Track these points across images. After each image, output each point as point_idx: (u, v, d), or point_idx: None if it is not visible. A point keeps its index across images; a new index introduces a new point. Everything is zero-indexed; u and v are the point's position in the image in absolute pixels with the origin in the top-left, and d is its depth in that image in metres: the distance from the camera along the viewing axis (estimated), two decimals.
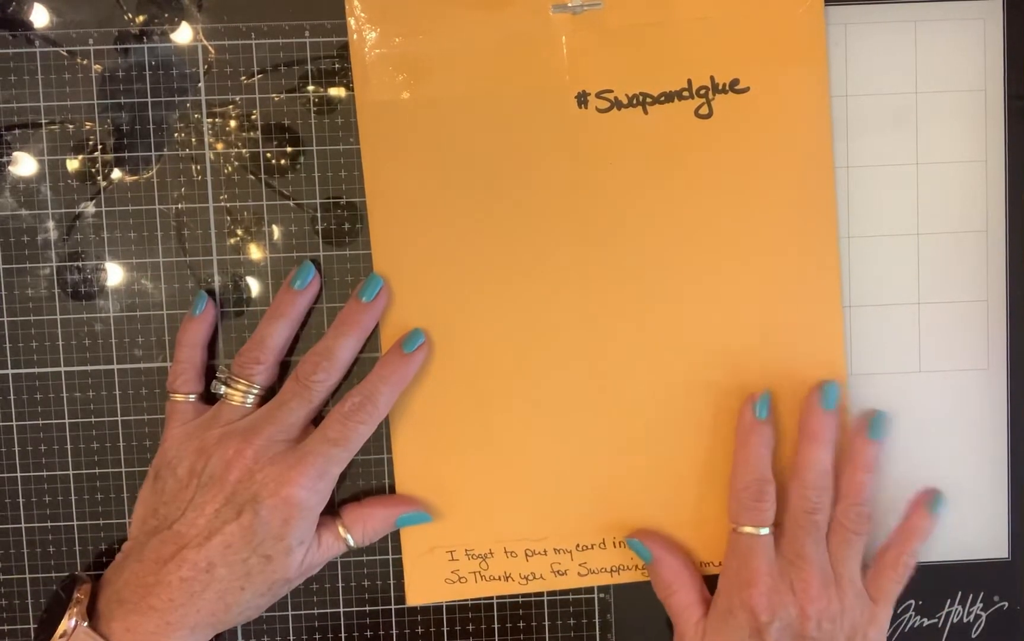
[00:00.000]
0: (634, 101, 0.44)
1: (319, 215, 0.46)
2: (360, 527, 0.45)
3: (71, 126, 0.45)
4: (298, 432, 0.43)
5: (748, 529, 0.43)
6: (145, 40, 0.45)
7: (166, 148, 0.46)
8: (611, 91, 0.44)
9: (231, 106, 0.45)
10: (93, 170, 0.45)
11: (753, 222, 0.45)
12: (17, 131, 0.45)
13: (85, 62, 0.45)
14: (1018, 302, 0.47)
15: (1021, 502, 0.48)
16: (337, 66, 0.45)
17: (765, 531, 0.43)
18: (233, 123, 0.46)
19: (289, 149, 0.46)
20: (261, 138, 0.46)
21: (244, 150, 0.46)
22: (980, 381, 0.47)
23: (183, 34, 0.45)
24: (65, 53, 0.45)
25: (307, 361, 0.43)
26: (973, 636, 0.48)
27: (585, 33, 0.44)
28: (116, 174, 0.46)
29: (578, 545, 0.47)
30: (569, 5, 0.44)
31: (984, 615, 0.48)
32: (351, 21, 0.44)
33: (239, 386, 0.43)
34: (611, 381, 0.46)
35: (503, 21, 0.44)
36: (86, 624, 0.40)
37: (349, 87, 0.45)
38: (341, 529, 0.44)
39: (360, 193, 0.46)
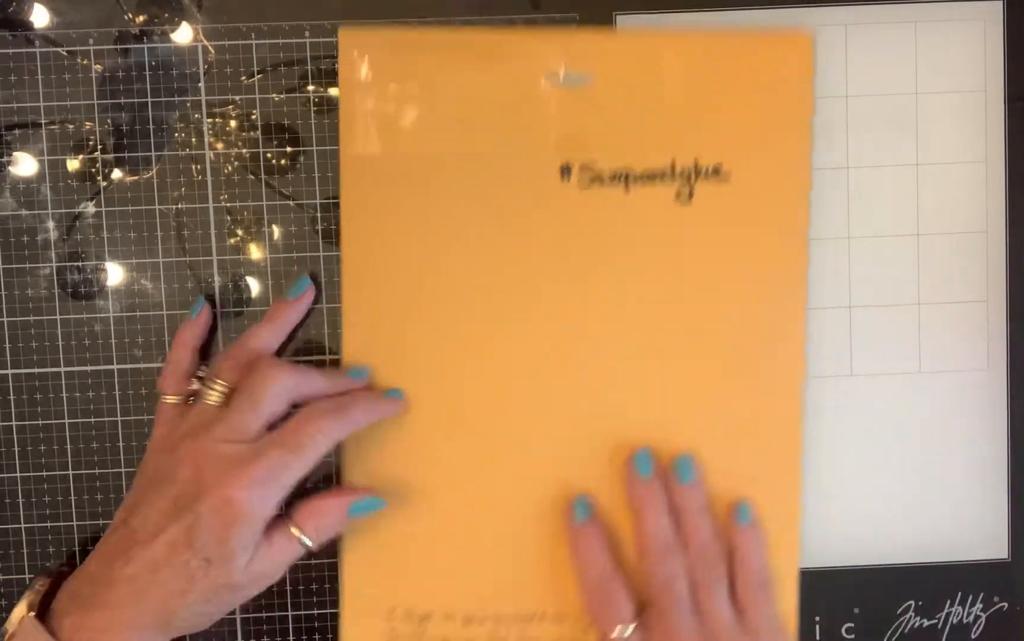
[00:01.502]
0: (617, 178, 0.44)
1: (319, 215, 0.46)
2: (312, 523, 0.42)
3: (71, 126, 0.45)
4: (253, 435, 0.41)
5: (612, 636, 0.42)
6: (145, 40, 0.45)
7: (166, 148, 0.46)
8: (595, 164, 0.44)
9: (231, 106, 0.45)
10: (93, 170, 0.45)
11: (722, 310, 0.45)
12: (17, 131, 0.45)
13: (85, 62, 0.45)
14: (1018, 302, 0.47)
15: (1021, 502, 0.48)
16: (337, 66, 0.45)
17: (629, 631, 0.42)
18: (233, 123, 0.46)
19: (289, 149, 0.46)
20: (261, 138, 0.46)
21: (244, 150, 0.46)
22: (980, 381, 0.47)
23: (183, 34, 0.45)
24: (65, 53, 0.45)
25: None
26: (973, 636, 0.48)
27: (574, 106, 0.44)
28: (116, 174, 0.46)
29: (520, 614, 0.46)
30: (560, 77, 0.44)
31: (984, 616, 0.48)
32: (343, 70, 0.44)
33: (214, 386, 0.42)
34: (568, 457, 0.45)
35: (494, 85, 0.44)
36: (33, 614, 0.39)
37: None
38: (293, 529, 0.42)
39: None
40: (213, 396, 0.42)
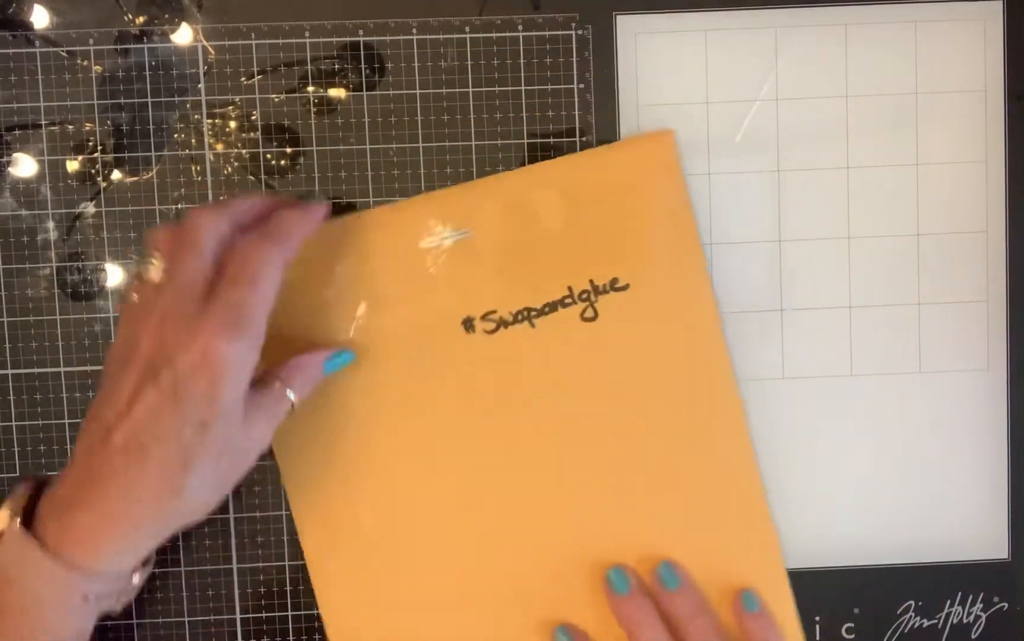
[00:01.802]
0: (519, 317, 0.45)
1: None
2: (295, 378, 0.41)
3: (71, 126, 0.45)
4: (202, 286, 0.38)
5: None
6: (145, 40, 0.45)
7: (166, 148, 0.46)
8: (495, 311, 0.45)
9: (231, 106, 0.45)
10: (93, 170, 0.45)
11: (656, 408, 0.45)
12: (17, 131, 0.45)
13: (85, 62, 0.45)
14: (1018, 302, 0.47)
15: (1021, 502, 0.48)
16: (337, 66, 0.45)
17: None
18: (233, 124, 0.46)
19: (289, 149, 0.46)
20: (261, 138, 0.46)
21: (244, 150, 0.46)
22: (980, 381, 0.47)
23: (183, 34, 0.45)
24: (65, 53, 0.45)
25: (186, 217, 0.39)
26: (973, 637, 0.48)
27: (459, 262, 0.45)
28: (116, 174, 0.46)
29: None
30: (438, 240, 0.44)
31: (984, 616, 0.48)
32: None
33: (152, 260, 0.39)
34: (541, 593, 0.46)
35: (379, 263, 0.44)
36: (19, 520, 0.37)
37: (349, 87, 0.45)
38: (278, 383, 0.40)
39: (360, 194, 0.46)
40: (153, 268, 0.39)
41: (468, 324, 0.45)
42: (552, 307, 0.45)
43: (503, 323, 0.45)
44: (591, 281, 0.45)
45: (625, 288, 0.45)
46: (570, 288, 0.45)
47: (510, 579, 0.46)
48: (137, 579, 0.41)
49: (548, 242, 0.45)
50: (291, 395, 0.41)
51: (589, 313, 0.45)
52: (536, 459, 0.45)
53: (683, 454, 0.45)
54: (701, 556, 0.46)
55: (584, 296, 0.45)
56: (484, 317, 0.45)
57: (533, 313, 0.45)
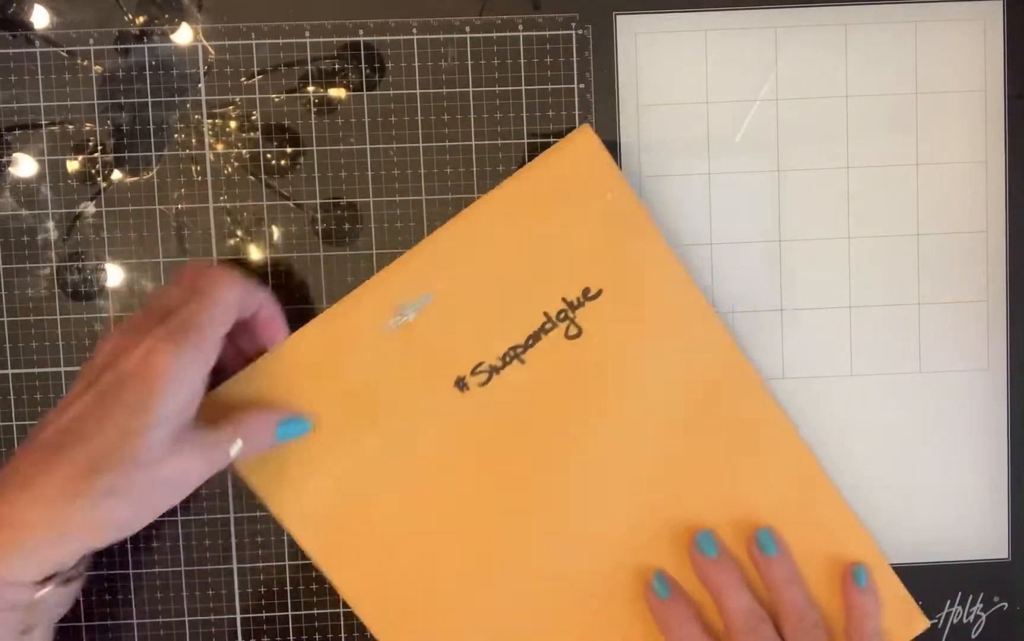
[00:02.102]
0: (507, 359, 0.44)
1: (319, 215, 0.46)
2: (247, 428, 0.40)
3: (71, 126, 0.45)
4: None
5: None
6: (145, 40, 0.45)
7: (166, 148, 0.46)
8: (482, 363, 0.44)
9: (231, 106, 0.46)
10: (93, 170, 0.45)
11: (671, 405, 0.45)
12: (17, 131, 0.45)
13: (85, 62, 0.45)
14: (1018, 302, 0.47)
15: (1021, 502, 0.48)
16: (337, 66, 0.45)
17: None
18: (233, 124, 0.46)
19: (289, 149, 0.46)
20: (261, 138, 0.46)
21: (244, 150, 0.46)
22: (980, 381, 0.47)
23: (183, 34, 0.45)
24: (65, 53, 0.45)
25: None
26: (973, 636, 0.48)
27: (430, 329, 0.44)
28: (116, 174, 0.46)
29: None
30: (400, 317, 0.44)
31: (984, 615, 0.48)
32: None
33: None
34: (595, 602, 0.45)
35: (352, 358, 0.44)
36: None
37: (349, 87, 0.45)
38: (229, 428, 0.39)
39: (360, 194, 0.46)
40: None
41: (461, 384, 0.44)
42: (535, 338, 0.44)
43: (494, 370, 0.44)
44: (564, 299, 0.44)
45: (599, 295, 0.44)
46: (546, 313, 0.44)
47: (550, 615, 0.45)
48: (48, 593, 0.37)
49: (510, 277, 0.44)
50: (235, 446, 0.39)
51: (572, 330, 0.44)
52: (565, 490, 0.45)
53: (714, 436, 0.45)
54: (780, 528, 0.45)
55: (562, 316, 0.44)
56: (474, 372, 0.44)
57: (519, 350, 0.44)
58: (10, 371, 0.46)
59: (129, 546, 0.47)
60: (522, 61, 0.46)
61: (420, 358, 0.44)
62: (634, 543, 0.45)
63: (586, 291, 0.44)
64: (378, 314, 0.44)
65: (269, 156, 0.46)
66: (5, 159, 0.45)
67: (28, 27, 0.45)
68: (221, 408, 0.41)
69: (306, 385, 0.43)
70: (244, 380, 0.43)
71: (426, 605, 0.45)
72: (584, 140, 0.44)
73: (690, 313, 0.45)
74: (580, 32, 0.46)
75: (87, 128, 0.45)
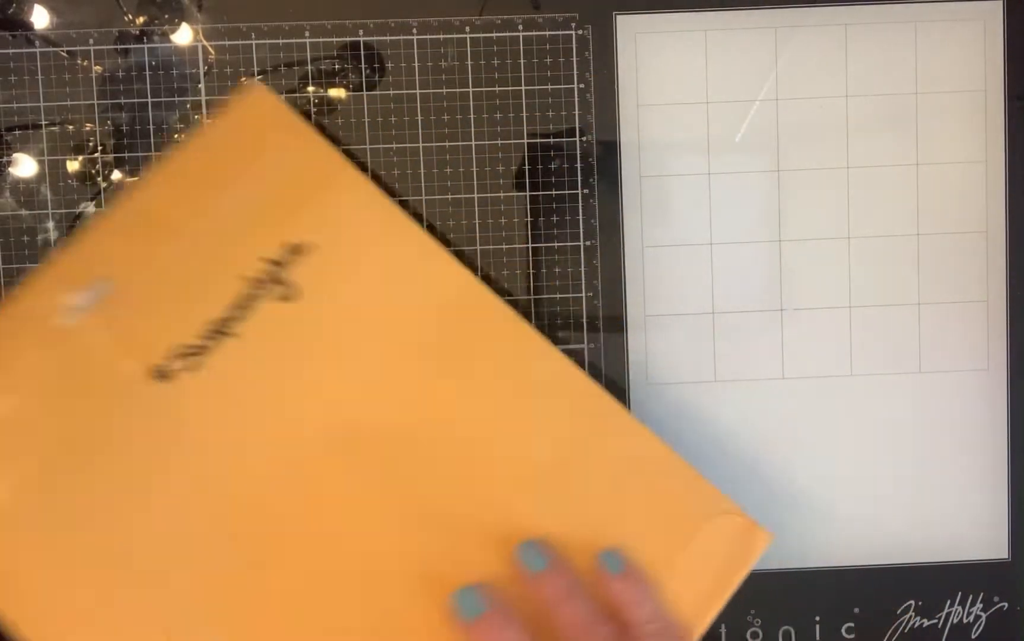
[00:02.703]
0: (212, 335, 0.39)
1: None
2: None
3: (71, 126, 0.45)
4: None
5: None
6: (145, 40, 0.45)
7: (166, 148, 0.46)
8: (184, 344, 0.39)
9: None
10: (93, 171, 0.45)
11: (412, 348, 0.40)
12: (17, 131, 0.45)
13: (85, 62, 0.45)
14: (1018, 302, 0.47)
15: (1021, 502, 0.48)
16: (337, 66, 0.45)
17: None
18: None
19: None
20: None
21: None
22: (980, 381, 0.47)
23: (183, 34, 0.45)
24: (65, 53, 0.45)
25: None
26: (973, 636, 0.48)
27: (114, 318, 0.39)
28: (116, 174, 0.46)
29: None
30: (76, 310, 0.39)
31: (984, 615, 0.48)
32: None
33: None
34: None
35: (27, 369, 0.38)
36: None
37: (349, 87, 0.45)
38: None
39: None
40: None
41: (161, 373, 0.39)
42: (243, 307, 0.39)
43: (200, 350, 0.39)
44: (262, 258, 0.40)
45: (311, 252, 0.40)
46: (245, 277, 0.39)
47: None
48: None
49: (197, 246, 0.40)
50: None
51: (285, 292, 0.40)
52: (316, 475, 0.39)
53: (478, 380, 0.40)
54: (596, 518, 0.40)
55: (268, 279, 0.40)
56: (176, 357, 0.39)
57: (226, 324, 0.39)
58: None
59: None
60: (522, 61, 0.46)
61: (103, 355, 0.38)
62: (418, 541, 0.38)
63: (295, 248, 0.40)
64: (48, 311, 0.38)
65: None
66: (5, 159, 0.45)
67: (28, 27, 0.45)
68: None
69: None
70: None
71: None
72: (257, 95, 0.42)
73: (414, 251, 0.41)
74: (580, 32, 0.46)
75: (87, 128, 0.45)
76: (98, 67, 0.45)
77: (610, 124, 0.46)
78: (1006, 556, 0.48)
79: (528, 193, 0.46)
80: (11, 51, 0.45)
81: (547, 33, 0.46)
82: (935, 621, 0.48)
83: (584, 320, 0.47)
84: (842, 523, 0.47)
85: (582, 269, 0.47)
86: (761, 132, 0.46)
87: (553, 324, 0.46)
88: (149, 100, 0.45)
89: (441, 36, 0.46)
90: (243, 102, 0.42)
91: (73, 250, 0.40)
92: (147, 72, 0.45)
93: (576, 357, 0.46)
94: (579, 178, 0.46)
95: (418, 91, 0.46)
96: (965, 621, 0.48)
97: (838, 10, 0.46)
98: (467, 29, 0.46)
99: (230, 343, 0.39)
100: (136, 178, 0.41)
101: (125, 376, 0.39)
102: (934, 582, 0.48)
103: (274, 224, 0.41)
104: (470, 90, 0.46)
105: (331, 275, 0.41)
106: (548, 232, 0.46)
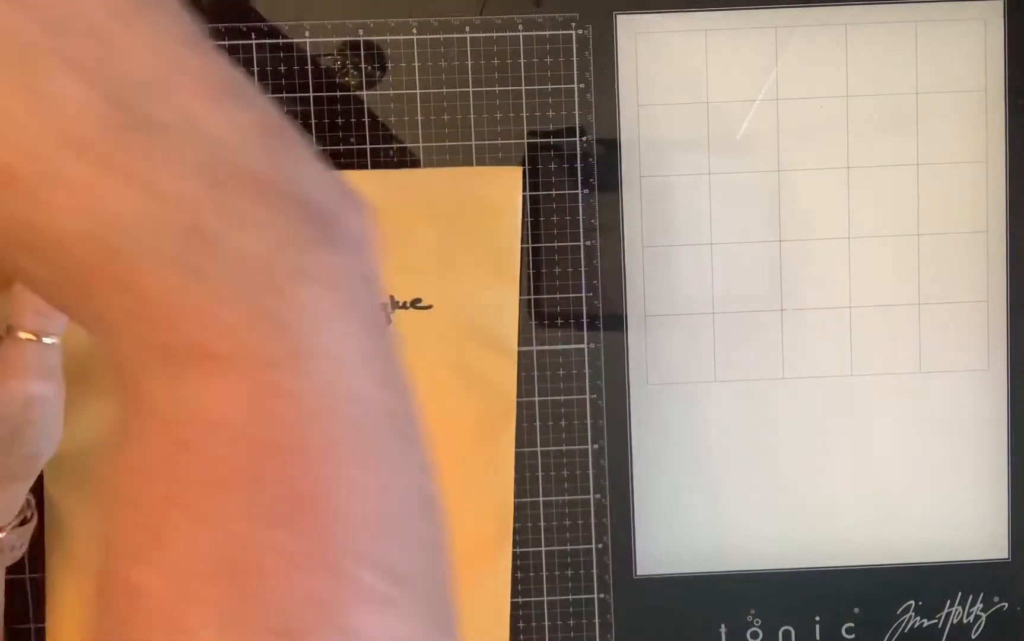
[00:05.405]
0: None
1: None
2: (26, 312, 0.37)
3: None
4: None
5: None
6: None
7: None
8: None
9: None
10: None
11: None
12: None
13: None
14: (1018, 302, 0.47)
15: (1021, 502, 0.47)
16: (337, 66, 0.45)
17: None
18: None
19: None
20: None
21: None
22: (980, 381, 0.47)
23: None
24: None
25: None
26: (973, 636, 0.48)
27: None
28: None
29: None
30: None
31: (984, 615, 0.48)
32: None
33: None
34: None
35: None
36: None
37: (349, 87, 0.45)
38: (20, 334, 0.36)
39: None
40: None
41: None
42: None
43: None
44: (391, 296, 0.44)
45: (429, 307, 0.44)
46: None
47: None
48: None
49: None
50: (25, 335, 0.36)
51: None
52: None
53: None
54: None
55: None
56: None
57: None
58: None
59: None
60: (522, 61, 0.46)
61: None
62: None
63: (416, 300, 0.44)
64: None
65: None
66: None
67: None
68: None
69: None
70: None
71: None
72: (511, 178, 0.45)
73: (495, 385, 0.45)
74: (580, 32, 0.46)
75: None
76: None
77: (610, 124, 0.46)
78: (1006, 556, 0.48)
79: (528, 193, 0.46)
80: None
81: (547, 33, 0.46)
82: (935, 621, 0.48)
83: (584, 320, 0.47)
84: (842, 523, 0.47)
85: (582, 269, 0.47)
86: (761, 132, 0.46)
87: (553, 324, 0.46)
88: None
89: (441, 36, 0.46)
90: (502, 170, 0.45)
91: None
92: None
93: (576, 357, 0.46)
94: (579, 178, 0.46)
95: (418, 91, 0.46)
96: (965, 621, 0.48)
97: (838, 10, 0.46)
98: (467, 29, 0.46)
99: None
100: None
101: None
102: (934, 582, 0.48)
103: (427, 275, 0.44)
104: (470, 90, 0.46)
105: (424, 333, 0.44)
106: (548, 232, 0.46)
